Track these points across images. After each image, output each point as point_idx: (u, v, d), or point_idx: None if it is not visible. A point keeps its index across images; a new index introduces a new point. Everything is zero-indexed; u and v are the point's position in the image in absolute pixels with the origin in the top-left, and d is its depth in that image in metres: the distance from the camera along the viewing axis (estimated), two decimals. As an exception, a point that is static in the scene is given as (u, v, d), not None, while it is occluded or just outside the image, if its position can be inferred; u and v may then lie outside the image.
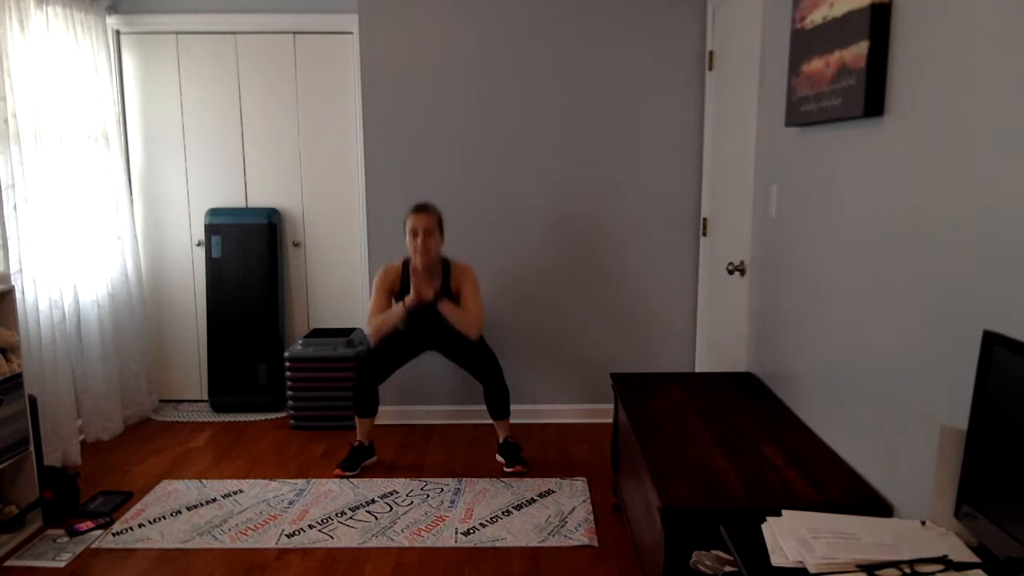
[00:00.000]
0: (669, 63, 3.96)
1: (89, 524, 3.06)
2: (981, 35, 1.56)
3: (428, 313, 3.46)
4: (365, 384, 3.57)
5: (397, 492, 3.36)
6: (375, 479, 3.50)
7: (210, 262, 4.39)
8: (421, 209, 3.43)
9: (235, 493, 3.36)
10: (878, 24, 1.96)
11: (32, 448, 3.03)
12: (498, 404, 3.63)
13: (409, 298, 3.39)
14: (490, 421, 3.92)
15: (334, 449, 3.87)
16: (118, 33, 4.30)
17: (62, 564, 2.80)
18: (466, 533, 3.00)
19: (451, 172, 4.05)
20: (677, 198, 4.07)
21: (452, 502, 3.26)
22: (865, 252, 2.10)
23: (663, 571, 1.98)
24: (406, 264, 3.52)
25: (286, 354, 4.10)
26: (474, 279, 3.54)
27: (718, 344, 3.73)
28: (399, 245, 3.96)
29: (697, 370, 4.16)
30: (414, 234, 3.40)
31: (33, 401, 3.08)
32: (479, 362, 3.58)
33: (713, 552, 1.83)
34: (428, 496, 3.32)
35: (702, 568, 1.81)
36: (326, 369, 4.09)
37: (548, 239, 4.12)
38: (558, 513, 3.16)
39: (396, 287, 3.53)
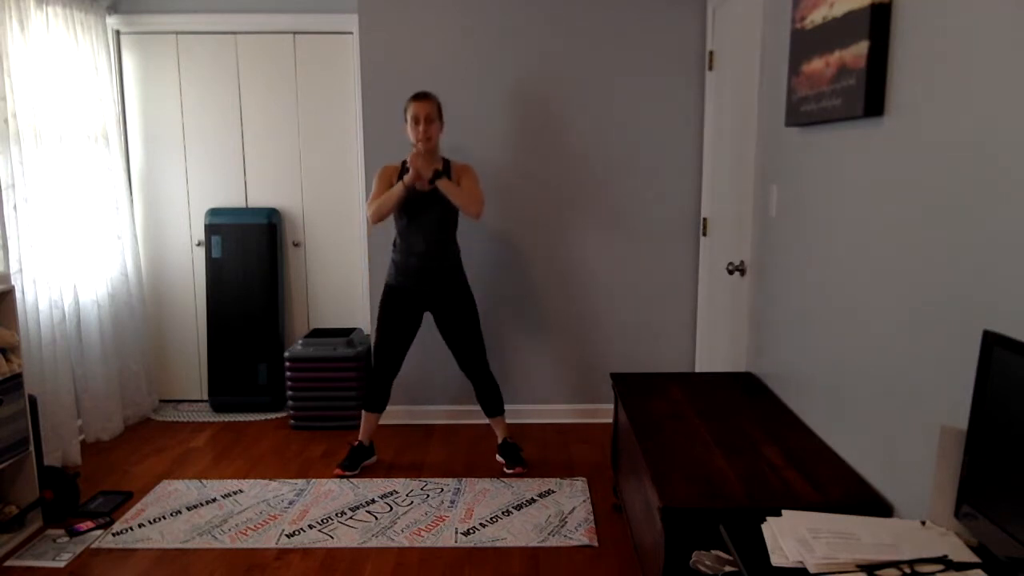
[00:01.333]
0: (669, 63, 3.96)
1: (89, 524, 3.06)
2: (981, 35, 1.56)
3: (426, 199, 3.39)
4: (381, 377, 3.54)
5: (397, 492, 3.36)
6: (375, 479, 3.50)
7: (210, 262, 4.39)
8: (422, 96, 3.38)
9: (235, 493, 3.36)
10: (878, 24, 1.96)
11: (32, 448, 3.03)
12: (490, 400, 3.61)
13: (409, 176, 3.32)
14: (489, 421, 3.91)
15: (334, 449, 3.87)
16: (118, 33, 4.30)
17: (62, 564, 2.80)
18: (466, 533, 3.00)
19: (451, 172, 4.05)
20: (677, 198, 4.07)
21: (452, 502, 3.26)
22: (865, 252, 2.10)
23: (663, 571, 1.98)
24: (404, 163, 3.47)
25: (286, 354, 4.10)
26: (474, 172, 3.50)
27: (718, 344, 3.73)
28: (399, 245, 3.97)
29: (697, 370, 4.16)
30: (416, 121, 3.35)
31: (33, 401, 3.08)
32: (467, 341, 3.52)
33: (713, 552, 1.83)
34: (428, 496, 3.32)
35: (702, 568, 1.81)
36: (326, 369, 4.09)
37: (548, 239, 4.12)
38: (558, 513, 3.16)
39: (395, 182, 3.45)
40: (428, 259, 3.46)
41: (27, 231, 3.42)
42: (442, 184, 3.34)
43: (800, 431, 2.49)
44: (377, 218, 3.40)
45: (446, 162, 3.50)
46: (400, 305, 3.51)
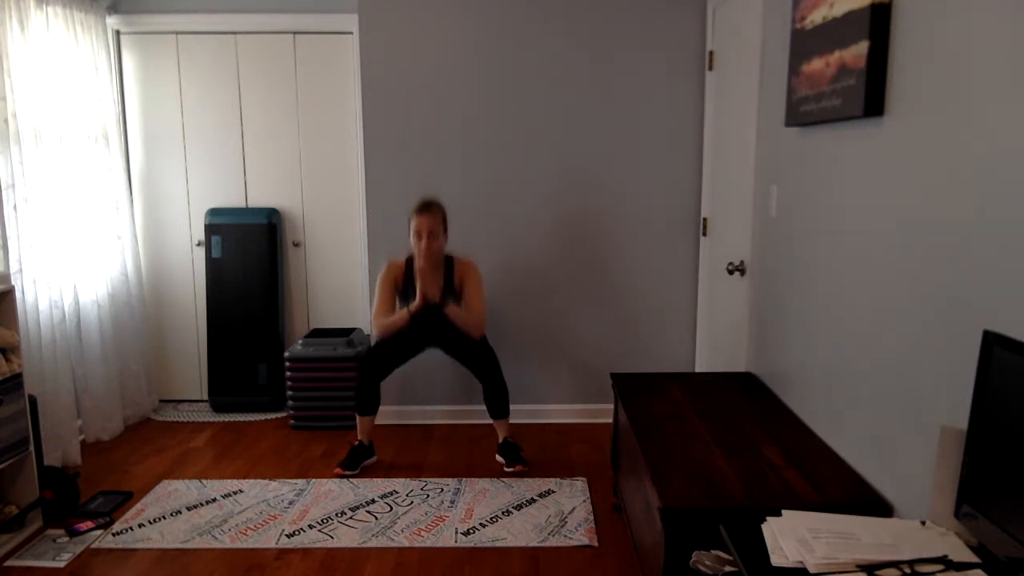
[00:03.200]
0: (669, 63, 3.96)
1: (89, 524, 3.06)
2: (981, 35, 1.56)
3: (432, 314, 3.48)
4: (367, 381, 3.57)
5: (397, 492, 3.36)
6: (375, 479, 3.50)
7: (210, 262, 4.39)
8: (426, 209, 3.41)
9: (235, 493, 3.36)
10: (878, 24, 1.96)
11: (32, 448, 3.03)
12: (497, 403, 3.63)
13: (414, 304, 3.42)
14: (490, 421, 3.92)
15: (334, 449, 3.87)
16: (118, 33, 4.30)
17: (62, 564, 2.80)
18: (466, 533, 3.00)
19: (451, 172, 4.05)
20: (677, 198, 4.07)
21: (452, 502, 3.26)
22: (865, 252, 2.10)
23: (663, 571, 1.98)
24: (409, 261, 3.53)
25: (286, 354, 4.10)
26: (477, 275, 3.54)
27: (718, 344, 3.73)
28: (400, 245, 3.97)
29: (697, 370, 4.16)
30: (418, 236, 3.40)
31: (33, 401, 3.08)
32: (479, 360, 3.59)
33: (713, 552, 1.83)
34: (428, 496, 3.32)
35: (702, 568, 1.81)
36: (326, 369, 4.09)
37: (548, 239, 4.12)
38: (558, 513, 3.16)
39: (400, 283, 3.54)
40: (432, 327, 3.56)
41: (27, 231, 3.42)
42: (449, 313, 3.45)
43: (800, 431, 2.49)
44: (383, 337, 3.52)
45: (449, 260, 3.55)
46: (404, 337, 3.59)
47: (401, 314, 3.47)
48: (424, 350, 3.72)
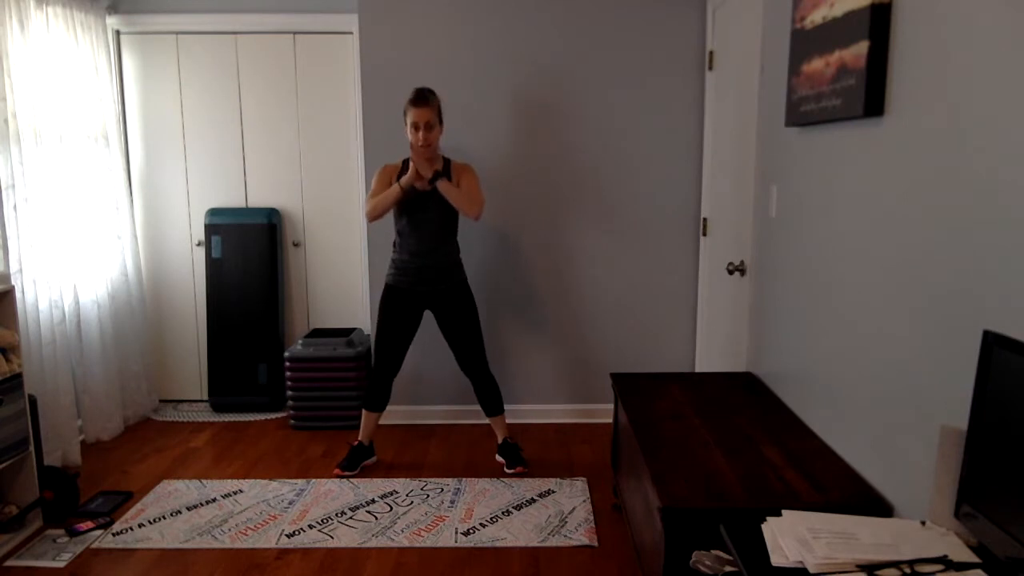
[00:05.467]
0: (669, 63, 3.96)
1: (89, 524, 3.06)
2: (981, 35, 1.56)
3: (426, 199, 3.38)
4: (381, 376, 3.54)
5: (397, 492, 3.36)
6: (375, 479, 3.50)
7: (210, 262, 4.39)
8: (421, 102, 3.33)
9: (235, 493, 3.36)
10: (878, 24, 1.96)
11: (32, 448, 3.03)
12: (489, 399, 3.61)
13: (407, 176, 3.31)
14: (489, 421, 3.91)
15: (334, 449, 3.87)
16: (118, 33, 4.30)
17: (62, 564, 2.80)
18: (466, 533, 3.00)
19: (451, 172, 4.05)
20: (677, 198, 4.07)
21: (452, 502, 3.26)
22: (865, 252, 2.10)
23: (663, 571, 1.98)
24: (405, 162, 3.47)
25: (286, 354, 4.10)
26: (474, 173, 3.49)
27: (718, 344, 3.73)
28: (399, 245, 3.96)
29: (697, 370, 4.16)
30: (415, 128, 3.32)
31: (33, 401, 3.08)
32: (466, 339, 3.52)
33: (713, 552, 1.83)
34: (428, 496, 3.32)
35: (702, 568, 1.81)
36: (326, 369, 4.09)
37: (547, 238, 4.12)
38: (558, 513, 3.16)
39: (394, 182, 3.43)
40: (428, 259, 3.46)
41: (27, 231, 3.42)
42: (441, 185, 3.34)
43: (800, 431, 2.49)
44: (373, 216, 3.39)
45: (446, 161, 3.50)
46: (400, 304, 3.51)
47: (392, 188, 3.34)
48: (421, 316, 3.56)
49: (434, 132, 3.36)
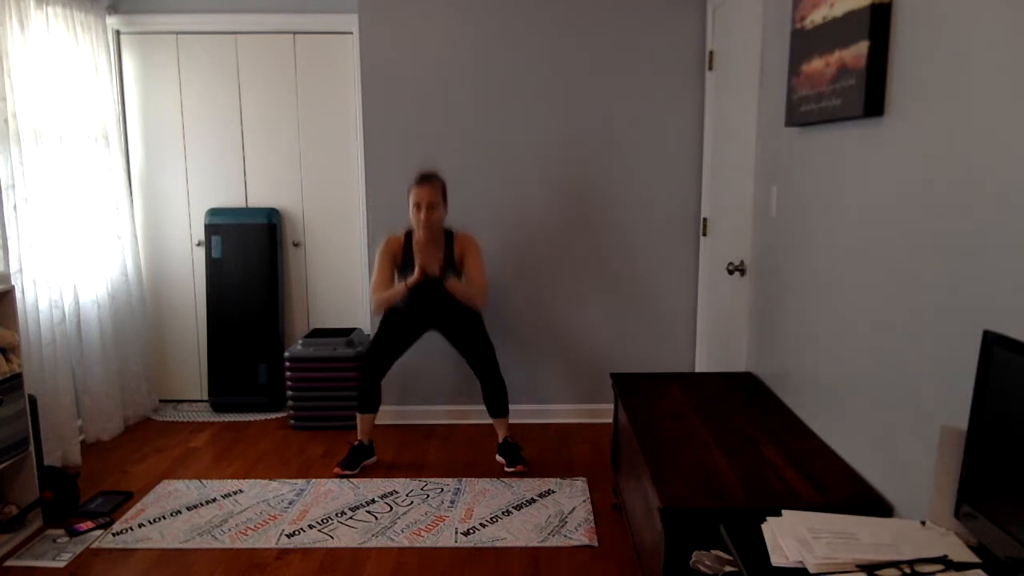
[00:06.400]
0: (669, 63, 3.96)
1: (89, 524, 3.06)
2: (981, 35, 1.56)
3: (431, 288, 3.42)
4: (369, 379, 3.56)
5: (397, 492, 3.36)
6: (375, 479, 3.50)
7: (210, 262, 4.39)
8: (425, 180, 3.36)
9: (235, 493, 3.36)
10: (878, 24, 1.96)
11: (32, 448, 3.03)
12: (496, 401, 3.62)
13: (412, 278, 3.34)
14: (490, 421, 3.91)
15: (334, 449, 3.87)
16: (118, 33, 4.30)
17: (62, 564, 2.80)
18: (466, 533, 3.00)
19: (451, 173, 4.05)
20: (677, 198, 4.07)
21: (452, 502, 3.26)
22: (865, 252, 2.10)
23: (663, 571, 1.98)
24: (408, 235, 3.49)
25: (286, 354, 4.10)
26: (477, 249, 3.50)
27: (718, 344, 3.73)
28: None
29: (697, 370, 4.16)
30: (417, 208, 3.34)
31: (33, 401, 3.08)
32: (477, 349, 3.56)
33: (713, 552, 1.83)
34: (428, 496, 3.32)
35: (702, 568, 1.81)
36: (326, 369, 4.09)
37: (548, 238, 4.12)
38: (558, 513, 3.16)
39: (399, 259, 3.48)
40: (433, 307, 3.53)
41: (27, 231, 3.42)
42: (449, 286, 3.39)
43: (800, 431, 2.49)
44: (380, 312, 3.50)
45: (449, 233, 3.51)
46: (403, 324, 3.57)
47: (399, 287, 3.40)
48: (423, 334, 3.65)
49: (436, 213, 3.37)
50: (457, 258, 3.48)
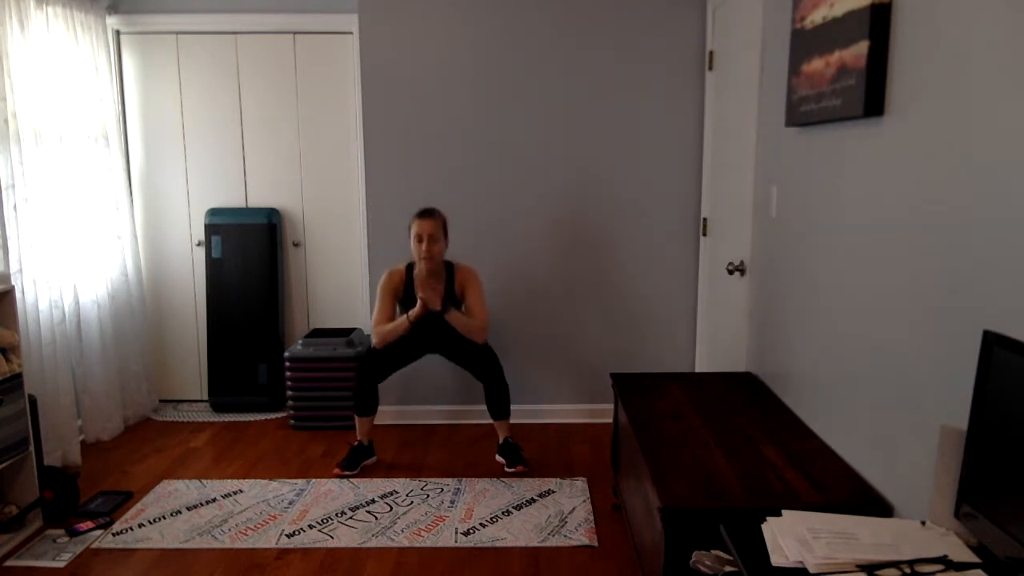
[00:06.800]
0: (669, 63, 3.96)
1: (89, 524, 3.06)
2: (981, 35, 1.56)
3: (433, 321, 3.48)
4: (365, 383, 3.57)
5: (397, 492, 3.36)
6: (375, 479, 3.50)
7: (210, 262, 4.39)
8: (426, 214, 3.44)
9: (235, 493, 3.36)
10: (878, 24, 1.96)
11: (32, 448, 3.03)
12: (499, 404, 3.63)
13: (414, 312, 3.42)
14: (490, 421, 3.91)
15: (334, 449, 3.87)
16: (118, 33, 4.30)
17: (62, 564, 2.80)
18: (466, 533, 3.00)
19: (451, 172, 4.05)
20: (677, 198, 4.07)
21: (452, 502, 3.26)
22: (865, 252, 2.10)
23: (663, 571, 1.98)
24: (409, 268, 3.54)
25: (286, 354, 4.10)
26: (478, 282, 3.55)
27: (718, 344, 3.73)
28: (399, 245, 3.96)
29: (697, 370, 4.16)
30: (419, 239, 3.41)
31: (33, 401, 3.08)
32: (480, 362, 3.59)
33: (713, 552, 1.83)
34: (428, 496, 3.32)
35: (702, 568, 1.81)
36: (326, 369, 4.09)
37: (548, 239, 4.12)
38: (558, 513, 3.16)
39: (400, 292, 3.54)
40: (433, 334, 3.56)
41: (27, 231, 3.42)
42: (450, 319, 3.44)
43: (800, 431, 2.49)
44: (382, 346, 3.51)
45: (449, 266, 3.53)
46: (403, 342, 3.58)
47: (401, 321, 3.47)
48: (424, 355, 3.72)
49: (437, 246, 3.42)
50: (458, 291, 3.53)
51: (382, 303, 3.52)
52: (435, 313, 3.44)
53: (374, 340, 3.53)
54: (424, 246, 3.39)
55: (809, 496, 2.00)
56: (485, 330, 3.51)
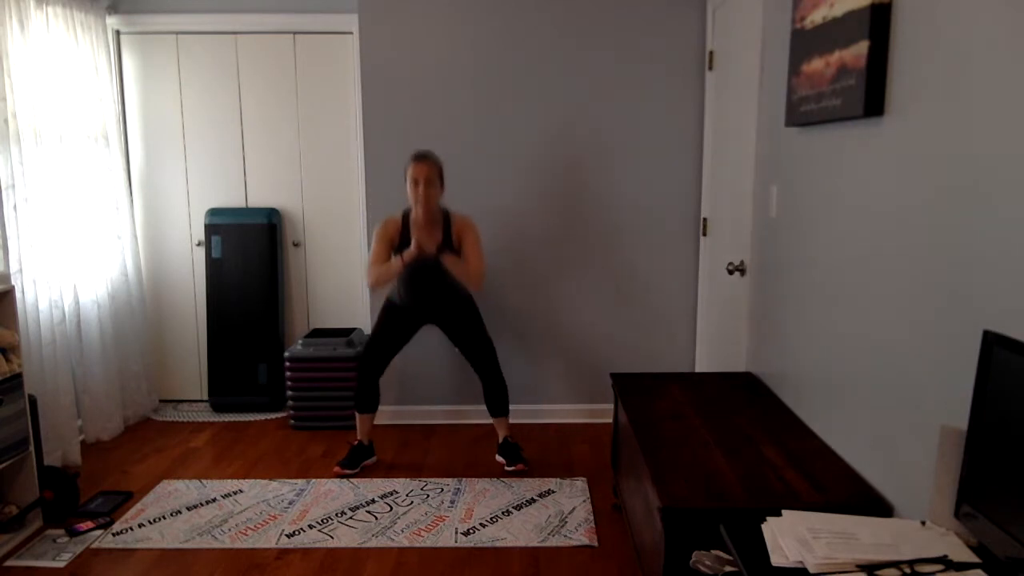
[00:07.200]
0: (669, 63, 3.96)
1: (89, 524, 3.06)
2: (981, 35, 1.56)
3: (427, 270, 3.41)
4: (366, 378, 3.56)
5: (397, 492, 3.36)
6: (375, 479, 3.50)
7: (210, 262, 4.39)
8: (421, 158, 3.36)
9: (235, 493, 3.36)
10: (878, 24, 1.96)
11: (32, 448, 3.03)
12: (497, 400, 3.62)
13: (408, 251, 3.32)
14: (490, 421, 3.91)
15: (334, 449, 3.87)
16: (118, 33, 4.30)
17: (62, 564, 2.80)
18: (466, 533, 3.00)
19: (451, 172, 4.05)
20: (677, 198, 4.07)
21: (452, 502, 3.26)
22: (865, 252, 2.10)
23: (663, 571, 1.98)
24: (406, 217, 3.48)
25: (286, 354, 4.10)
26: (475, 231, 3.48)
27: (718, 344, 3.73)
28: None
29: (697, 370, 4.16)
30: (415, 183, 3.34)
31: (33, 401, 3.08)
32: (475, 345, 3.55)
33: (713, 552, 1.83)
34: (428, 496, 3.32)
35: (702, 568, 1.81)
36: (326, 369, 4.09)
37: (548, 239, 4.12)
38: (558, 513, 3.16)
39: (396, 240, 3.46)
40: (430, 292, 3.51)
41: (27, 231, 3.42)
42: (446, 260, 3.37)
43: (800, 431, 2.49)
44: (375, 288, 3.47)
45: (446, 215, 3.49)
46: (400, 318, 3.56)
47: (394, 262, 3.37)
48: (420, 327, 3.62)
49: (434, 189, 3.37)
50: (455, 240, 3.46)
51: (377, 248, 3.44)
52: (430, 264, 3.37)
53: (367, 280, 3.45)
54: (420, 189, 3.33)
55: (809, 496, 2.00)
56: (480, 277, 3.42)
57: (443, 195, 3.49)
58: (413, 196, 3.37)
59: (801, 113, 2.46)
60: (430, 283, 3.47)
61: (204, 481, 3.49)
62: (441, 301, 3.53)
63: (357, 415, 3.62)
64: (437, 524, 3.07)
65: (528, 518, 3.11)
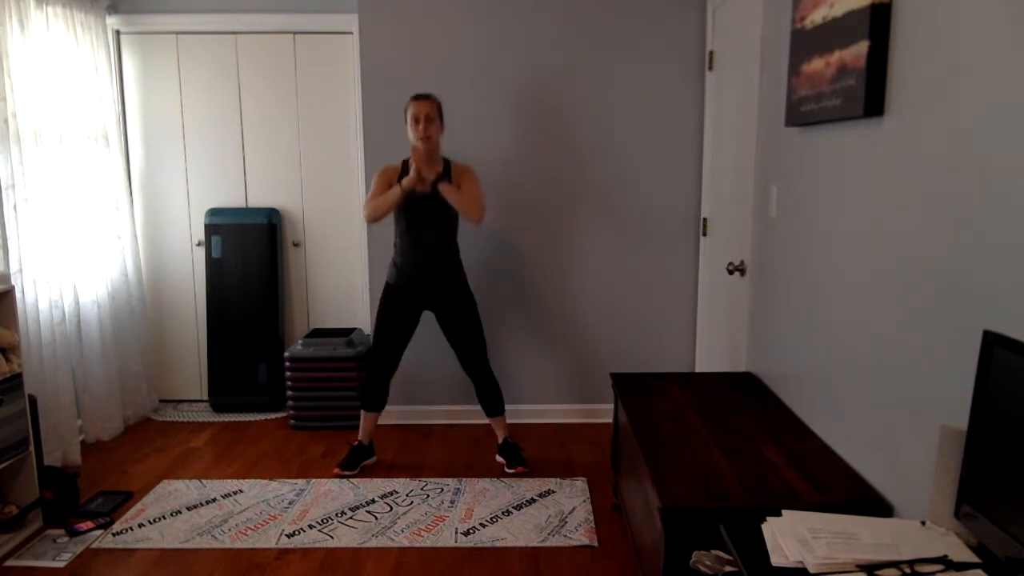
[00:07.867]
0: (669, 63, 3.96)
1: (89, 524, 3.06)
2: (981, 35, 1.56)
3: (426, 202, 3.38)
4: (378, 376, 3.54)
5: (397, 492, 3.36)
6: (375, 479, 3.50)
7: (210, 262, 4.39)
8: (422, 96, 3.38)
9: (235, 493, 3.36)
10: (878, 24, 1.96)
11: (32, 448, 3.03)
12: (490, 399, 3.61)
13: (408, 178, 3.30)
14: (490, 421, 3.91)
15: (334, 449, 3.87)
16: (118, 33, 4.30)
17: (62, 564, 2.80)
18: (466, 533, 3.00)
19: (451, 172, 4.05)
20: (677, 198, 4.07)
21: (452, 502, 3.26)
22: (865, 252, 2.10)
23: (663, 571, 1.98)
24: (405, 164, 3.47)
25: (286, 354, 4.10)
26: (474, 174, 3.47)
27: (718, 344, 3.73)
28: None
29: (697, 370, 4.16)
30: (416, 120, 3.34)
31: (33, 401, 3.08)
32: (467, 338, 3.52)
33: (713, 552, 1.83)
34: (428, 496, 3.32)
35: (702, 568, 1.81)
36: (326, 369, 4.09)
37: (548, 239, 4.12)
38: (558, 513, 3.16)
39: (395, 183, 3.42)
40: (428, 260, 3.45)
41: (27, 231, 3.42)
42: (443, 188, 3.34)
43: (800, 431, 2.49)
44: (373, 218, 3.39)
45: (447, 163, 3.49)
46: (399, 304, 3.51)
47: (393, 190, 3.33)
48: (419, 315, 3.57)
49: (434, 126, 3.36)
50: (455, 183, 3.42)
51: (376, 187, 3.42)
52: (428, 197, 3.34)
53: (364, 212, 3.41)
54: (421, 127, 3.33)
55: (809, 496, 2.00)
56: (480, 209, 3.38)
57: (443, 133, 3.48)
58: (414, 134, 3.35)
59: (801, 113, 2.46)
60: (428, 223, 3.40)
61: (204, 481, 3.49)
62: (439, 265, 3.46)
63: (363, 413, 3.60)
64: (437, 524, 3.07)
65: (528, 518, 3.11)
